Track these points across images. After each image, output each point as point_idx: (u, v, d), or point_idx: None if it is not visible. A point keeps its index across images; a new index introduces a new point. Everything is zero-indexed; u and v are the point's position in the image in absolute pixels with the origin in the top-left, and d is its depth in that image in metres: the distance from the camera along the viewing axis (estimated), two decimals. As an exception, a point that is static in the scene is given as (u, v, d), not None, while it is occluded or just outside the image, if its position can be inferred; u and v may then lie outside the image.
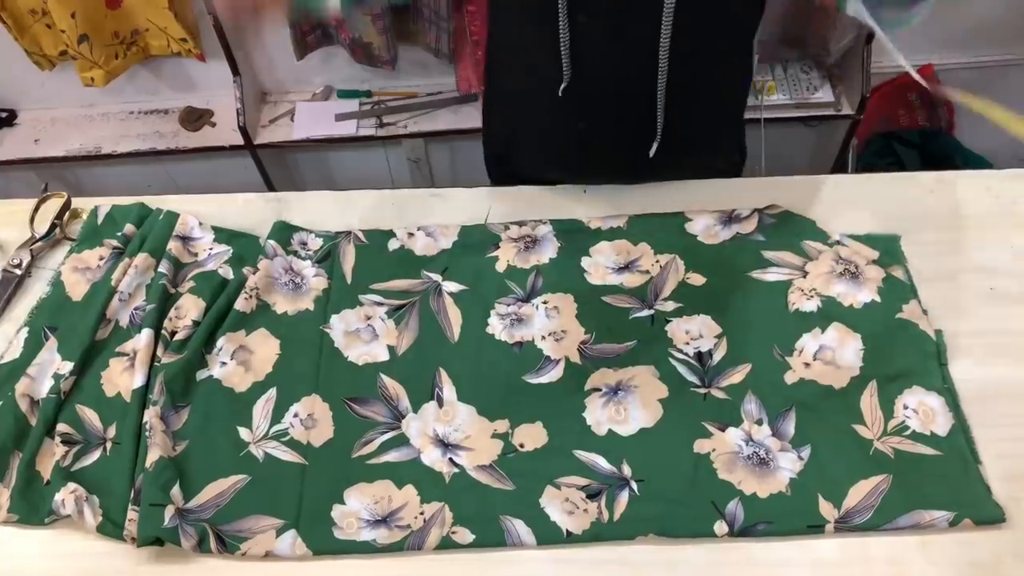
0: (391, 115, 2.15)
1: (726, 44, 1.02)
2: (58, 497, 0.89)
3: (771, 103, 2.01)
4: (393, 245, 1.13)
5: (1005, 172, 1.18)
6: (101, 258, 1.13)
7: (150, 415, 0.95)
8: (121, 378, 1.00)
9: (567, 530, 0.86)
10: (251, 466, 0.93)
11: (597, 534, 0.86)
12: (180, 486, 0.90)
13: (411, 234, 1.14)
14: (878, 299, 1.00)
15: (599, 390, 0.97)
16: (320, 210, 1.23)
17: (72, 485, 0.89)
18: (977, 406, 0.94)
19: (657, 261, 1.07)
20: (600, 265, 1.08)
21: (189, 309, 1.04)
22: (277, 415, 0.97)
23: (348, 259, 1.12)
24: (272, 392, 0.98)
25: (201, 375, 1.00)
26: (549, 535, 0.86)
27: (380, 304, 1.06)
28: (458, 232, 1.13)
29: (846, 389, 0.95)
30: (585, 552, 0.87)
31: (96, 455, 0.95)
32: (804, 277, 1.04)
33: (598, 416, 0.95)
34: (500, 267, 1.09)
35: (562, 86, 1.00)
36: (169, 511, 0.87)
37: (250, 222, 1.21)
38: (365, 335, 1.03)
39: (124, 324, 1.06)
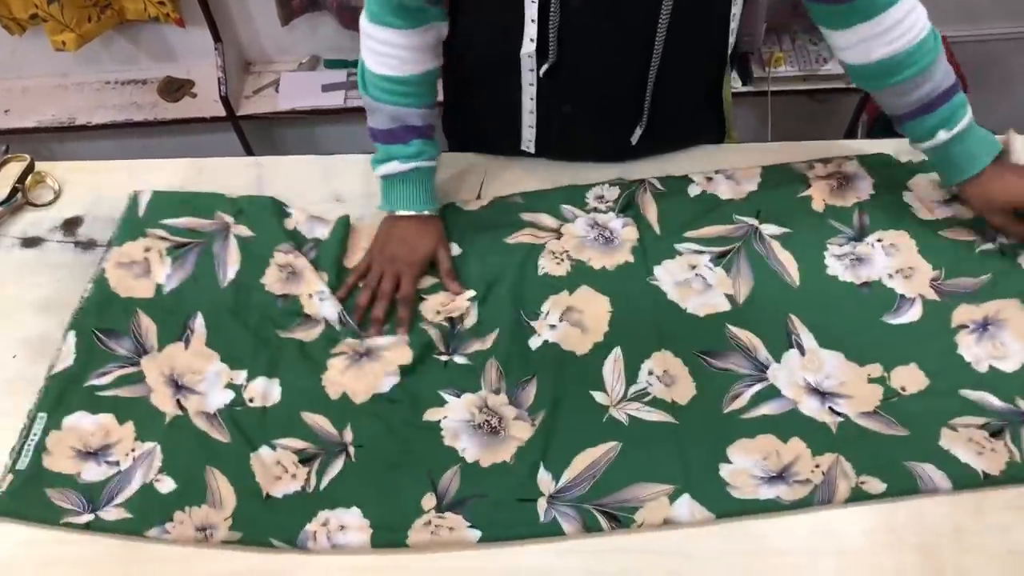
0: (380, 86, 2.06)
1: (712, 28, 1.01)
2: (309, 528, 0.81)
3: (778, 75, 1.93)
4: (694, 191, 1.08)
5: None
6: (147, 250, 1.04)
7: (496, 402, 0.89)
8: (344, 377, 0.92)
9: (983, 471, 0.82)
10: (617, 431, 0.86)
11: (1015, 475, 0.82)
12: (545, 466, 0.84)
13: (709, 178, 1.09)
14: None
15: (966, 327, 0.93)
16: (301, 176, 1.15)
17: (321, 516, 0.82)
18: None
19: None
20: (925, 199, 1.05)
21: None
22: (630, 375, 0.91)
23: (650, 208, 1.06)
24: (617, 352, 0.92)
25: (535, 343, 0.94)
26: (964, 479, 0.82)
27: (700, 252, 1.01)
28: (759, 173, 1.09)
29: None
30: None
31: (340, 464, 0.86)
32: None
33: (976, 353, 0.91)
34: (817, 207, 1.05)
35: (544, 67, 0.97)
36: (541, 505, 0.81)
37: (228, 188, 1.14)
38: (697, 285, 0.98)
39: (334, 321, 0.97)
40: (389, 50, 0.97)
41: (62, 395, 0.91)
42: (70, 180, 1.17)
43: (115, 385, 0.92)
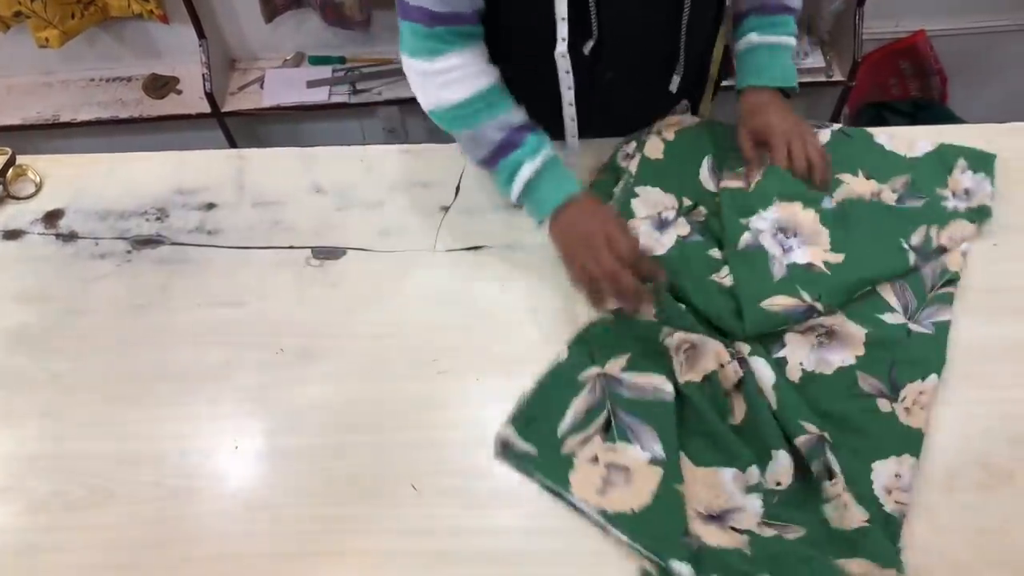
0: (365, 82, 2.06)
1: None
2: None
3: (760, 69, 1.93)
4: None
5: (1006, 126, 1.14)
6: None
7: None
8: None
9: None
10: None
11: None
12: None
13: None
14: None
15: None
16: (282, 168, 1.16)
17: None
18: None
19: None
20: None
21: None
22: None
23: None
24: None
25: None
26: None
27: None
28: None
29: None
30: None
31: None
32: None
33: None
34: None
35: (589, 45, 0.98)
36: None
37: (210, 180, 1.14)
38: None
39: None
40: (459, 74, 0.95)
41: None
42: (51, 173, 1.17)
43: None
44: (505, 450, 0.86)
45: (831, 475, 0.80)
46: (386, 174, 1.14)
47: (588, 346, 0.92)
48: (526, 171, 0.96)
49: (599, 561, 0.79)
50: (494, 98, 0.97)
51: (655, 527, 0.78)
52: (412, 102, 2.02)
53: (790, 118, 1.05)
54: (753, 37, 1.05)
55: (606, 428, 0.86)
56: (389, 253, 1.05)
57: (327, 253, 1.06)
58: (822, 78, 1.98)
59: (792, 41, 1.06)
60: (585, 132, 1.09)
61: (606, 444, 0.85)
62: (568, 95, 1.02)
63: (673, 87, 1.08)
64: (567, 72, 0.99)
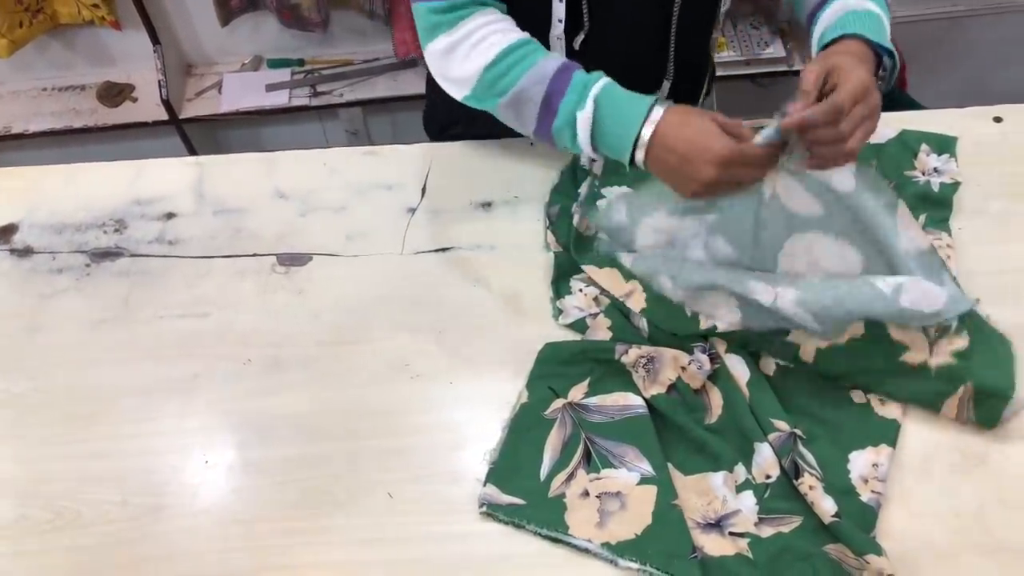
0: (326, 84, 2.04)
1: None
2: None
3: (721, 60, 1.94)
4: None
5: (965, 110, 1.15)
6: None
7: None
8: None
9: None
10: None
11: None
12: None
13: None
14: None
15: None
16: (243, 174, 1.14)
17: None
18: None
19: None
20: None
21: None
22: None
23: None
24: None
25: None
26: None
27: None
28: None
29: None
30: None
31: None
32: None
33: None
34: None
35: (579, 38, 0.96)
36: None
37: (168, 189, 1.12)
38: None
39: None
40: (486, 31, 0.88)
41: None
42: (4, 187, 1.14)
43: None
44: (492, 508, 0.81)
45: (798, 473, 0.80)
46: (350, 177, 1.12)
47: (545, 381, 0.90)
48: (588, 107, 0.83)
49: (578, 563, 0.79)
50: (531, 45, 0.88)
51: (663, 544, 0.77)
52: (374, 102, 2.03)
53: (873, 85, 0.79)
54: (828, 12, 0.91)
55: (587, 459, 0.84)
56: (356, 257, 1.03)
57: (292, 260, 1.04)
58: (783, 67, 2.00)
59: (885, 15, 0.90)
60: None
61: (591, 475, 0.83)
62: None
63: (663, 92, 1.06)
64: (560, 50, 0.98)
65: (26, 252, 1.06)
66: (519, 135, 0.97)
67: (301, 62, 2.10)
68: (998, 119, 1.13)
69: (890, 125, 1.10)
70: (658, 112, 0.81)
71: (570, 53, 0.97)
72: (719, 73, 1.92)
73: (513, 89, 0.87)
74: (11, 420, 0.91)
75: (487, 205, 1.06)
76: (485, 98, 0.90)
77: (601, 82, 0.85)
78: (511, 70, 0.87)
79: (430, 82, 1.17)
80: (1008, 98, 1.18)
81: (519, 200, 1.08)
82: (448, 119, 1.20)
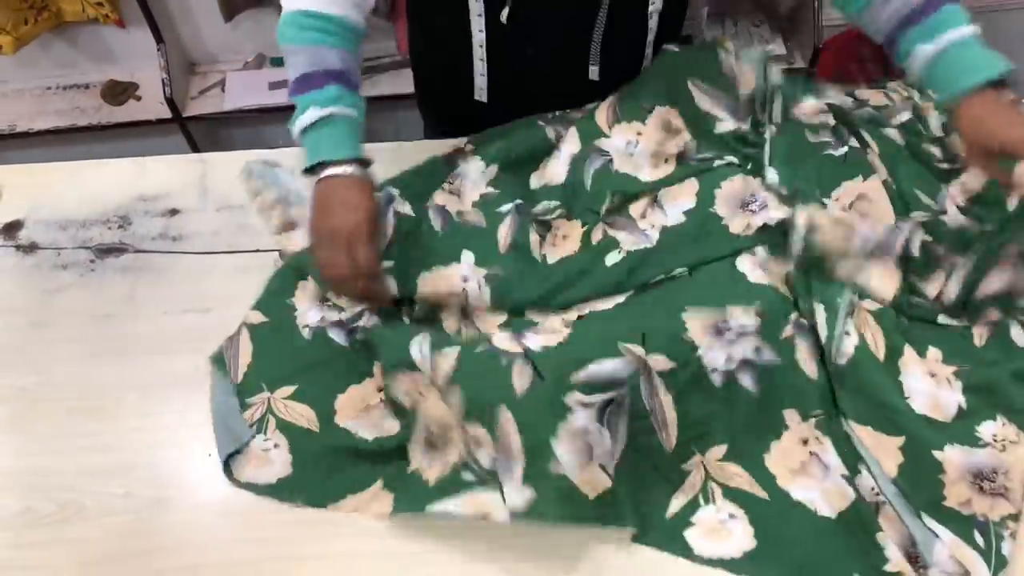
0: (328, 82, 2.04)
1: None
2: None
3: (722, 58, 1.95)
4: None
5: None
6: None
7: None
8: None
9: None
10: None
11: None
12: None
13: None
14: None
15: None
16: (248, 170, 1.14)
17: None
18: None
19: None
20: None
21: None
22: None
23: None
24: None
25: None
26: None
27: None
28: None
29: None
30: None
31: None
32: None
33: None
34: None
35: (505, 11, 0.96)
36: None
37: (172, 186, 1.12)
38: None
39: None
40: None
41: None
42: (9, 183, 1.14)
43: None
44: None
45: None
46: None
47: None
48: (309, 116, 0.90)
49: (592, 536, 0.80)
50: (331, 27, 0.92)
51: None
52: (377, 100, 2.03)
53: (1017, 119, 0.80)
54: (927, 49, 0.85)
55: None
56: (358, 253, 1.04)
57: (295, 255, 1.04)
58: (784, 65, 2.00)
59: (971, 30, 0.84)
60: (495, 104, 1.09)
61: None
62: (479, 51, 1.02)
63: (594, 75, 1.05)
64: (480, 31, 0.99)
65: (31, 248, 1.07)
66: (524, 105, 1.06)
67: (304, 61, 2.10)
68: None
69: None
70: (353, 177, 0.90)
71: (496, 29, 0.98)
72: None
73: (305, 47, 0.93)
74: (16, 414, 0.92)
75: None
76: (282, 33, 0.95)
77: (352, 111, 0.93)
78: (314, 31, 0.92)
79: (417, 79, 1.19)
80: None
81: (520, 196, 1.08)
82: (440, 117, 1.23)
